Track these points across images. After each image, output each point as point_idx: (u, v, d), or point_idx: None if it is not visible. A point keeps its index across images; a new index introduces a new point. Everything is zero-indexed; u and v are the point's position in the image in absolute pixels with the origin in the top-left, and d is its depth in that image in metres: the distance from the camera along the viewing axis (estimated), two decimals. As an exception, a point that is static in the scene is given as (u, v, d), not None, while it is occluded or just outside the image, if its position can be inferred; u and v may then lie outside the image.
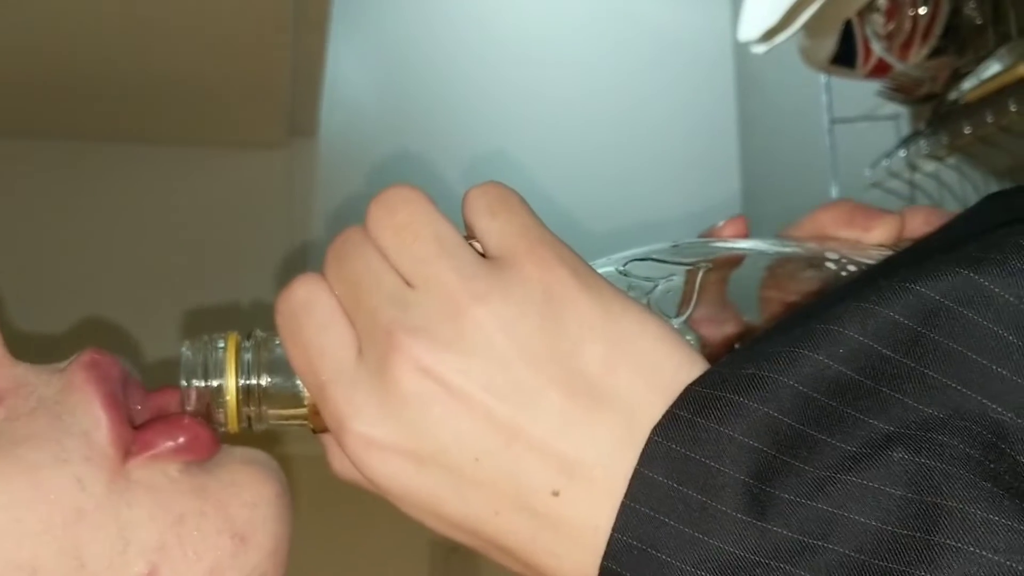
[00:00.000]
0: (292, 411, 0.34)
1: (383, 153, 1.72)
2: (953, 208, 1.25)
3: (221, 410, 0.34)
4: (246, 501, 0.34)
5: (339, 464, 0.34)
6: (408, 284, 0.31)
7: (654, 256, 0.35)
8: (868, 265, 0.35)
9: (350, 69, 1.75)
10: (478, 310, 0.29)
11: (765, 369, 0.27)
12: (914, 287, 0.27)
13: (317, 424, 0.33)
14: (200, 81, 1.43)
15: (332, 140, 1.70)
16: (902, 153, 1.29)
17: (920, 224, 0.38)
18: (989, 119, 1.10)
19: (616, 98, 1.83)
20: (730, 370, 0.28)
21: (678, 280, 0.35)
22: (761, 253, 0.37)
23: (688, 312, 0.34)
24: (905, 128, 1.34)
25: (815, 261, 0.36)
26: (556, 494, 0.29)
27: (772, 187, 1.76)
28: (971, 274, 0.27)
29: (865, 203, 0.38)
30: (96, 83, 1.41)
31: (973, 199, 1.20)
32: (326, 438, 0.34)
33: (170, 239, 1.60)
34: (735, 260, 0.37)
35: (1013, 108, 1.06)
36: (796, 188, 1.66)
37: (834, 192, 1.47)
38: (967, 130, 1.14)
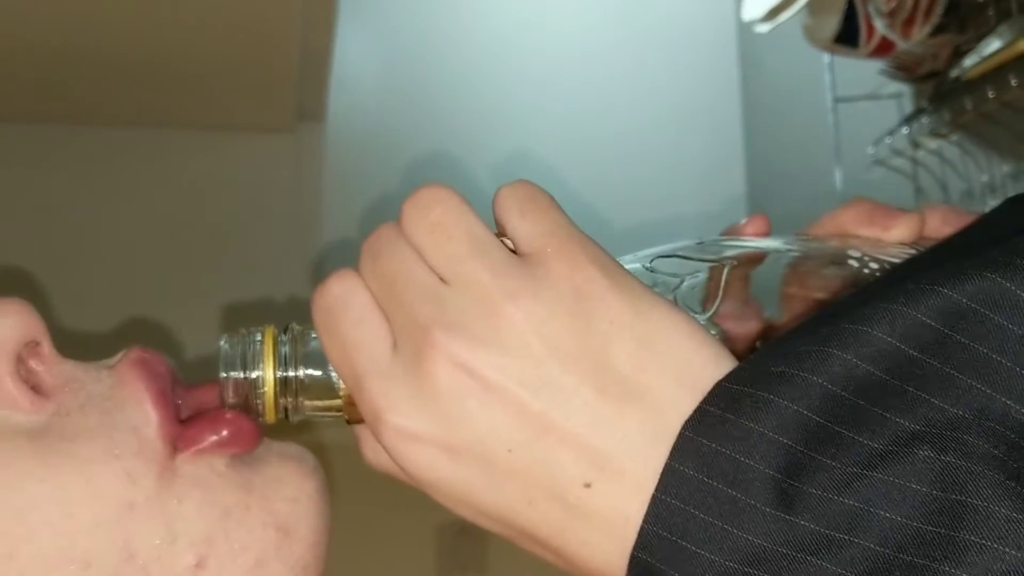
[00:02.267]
0: (328, 402, 0.35)
1: (391, 137, 1.73)
2: (957, 186, 1.26)
3: (259, 401, 0.35)
4: (288, 496, 0.36)
5: (372, 454, 0.35)
6: (443, 281, 0.31)
7: (680, 253, 0.36)
8: (890, 263, 0.36)
9: (358, 53, 1.75)
10: (511, 308, 0.30)
11: (795, 367, 0.28)
12: (941, 289, 0.28)
13: (352, 415, 0.34)
14: (208, 65, 1.43)
15: (340, 125, 1.71)
16: (905, 131, 1.30)
17: (939, 223, 0.39)
18: (991, 95, 1.11)
19: (619, 81, 1.83)
20: (760, 368, 0.29)
21: (703, 277, 0.36)
22: (783, 251, 0.38)
23: (714, 308, 0.35)
24: (908, 106, 1.35)
25: (837, 259, 0.37)
26: (588, 486, 0.29)
27: (776, 166, 1.77)
28: (998, 278, 0.27)
29: (871, 189, 0.39)
30: (105, 68, 1.42)
31: (976, 175, 1.21)
32: (359, 428, 0.35)
33: (177, 223, 1.61)
34: (757, 258, 0.37)
35: (1014, 83, 1.07)
36: (800, 167, 1.67)
37: (838, 171, 1.48)
38: (969, 106, 1.15)
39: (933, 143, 1.28)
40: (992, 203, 1.19)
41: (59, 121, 1.58)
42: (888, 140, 1.33)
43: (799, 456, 0.27)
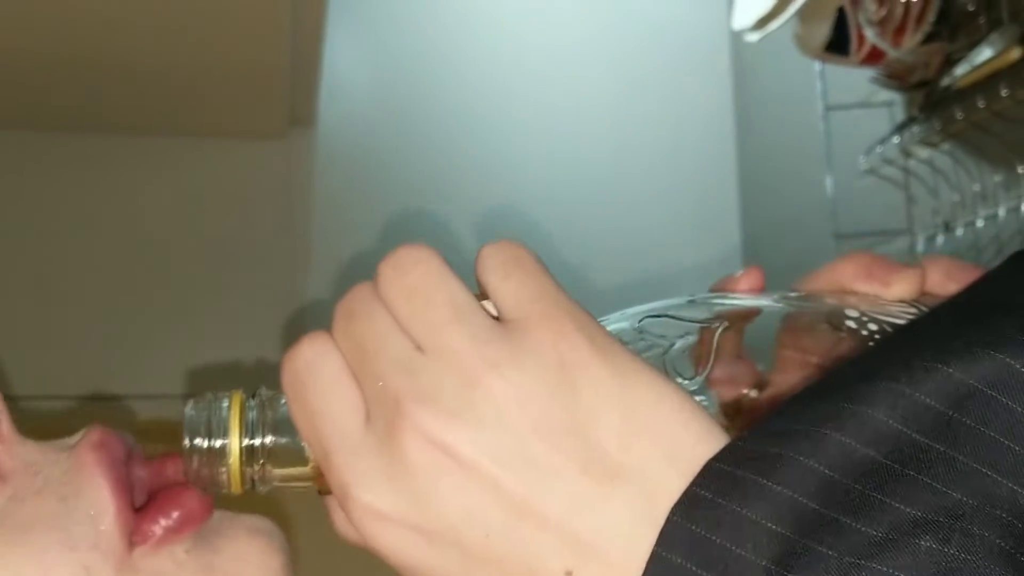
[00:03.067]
0: (297, 471, 0.33)
1: (382, 143, 1.72)
2: (948, 196, 1.26)
3: (224, 471, 0.33)
4: None
5: (343, 527, 0.33)
6: (419, 349, 0.30)
7: (670, 313, 0.35)
8: (891, 324, 0.34)
9: (348, 59, 1.75)
10: (490, 379, 0.29)
11: (790, 449, 0.26)
12: (946, 369, 0.26)
13: (323, 486, 0.33)
14: (197, 71, 1.43)
15: (331, 130, 1.71)
16: (896, 140, 1.30)
17: (941, 277, 0.37)
18: (981, 104, 1.11)
19: (610, 89, 1.83)
20: (753, 447, 0.27)
21: (693, 338, 0.34)
22: (778, 308, 0.36)
23: (705, 372, 0.34)
24: (899, 115, 1.35)
25: (834, 319, 0.35)
26: (569, 574, 0.28)
27: (768, 174, 1.77)
28: (1007, 358, 0.26)
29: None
30: (92, 74, 1.41)
31: (967, 185, 1.21)
32: (331, 499, 0.33)
33: (167, 230, 1.60)
34: (751, 314, 0.36)
35: (1005, 93, 1.07)
36: (791, 175, 1.67)
37: (829, 179, 1.48)
38: (959, 115, 1.15)
39: (924, 152, 1.28)
40: (983, 213, 1.19)
41: (38, 128, 1.57)
42: (879, 149, 1.33)
43: (793, 545, 0.26)
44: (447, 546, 0.29)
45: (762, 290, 0.37)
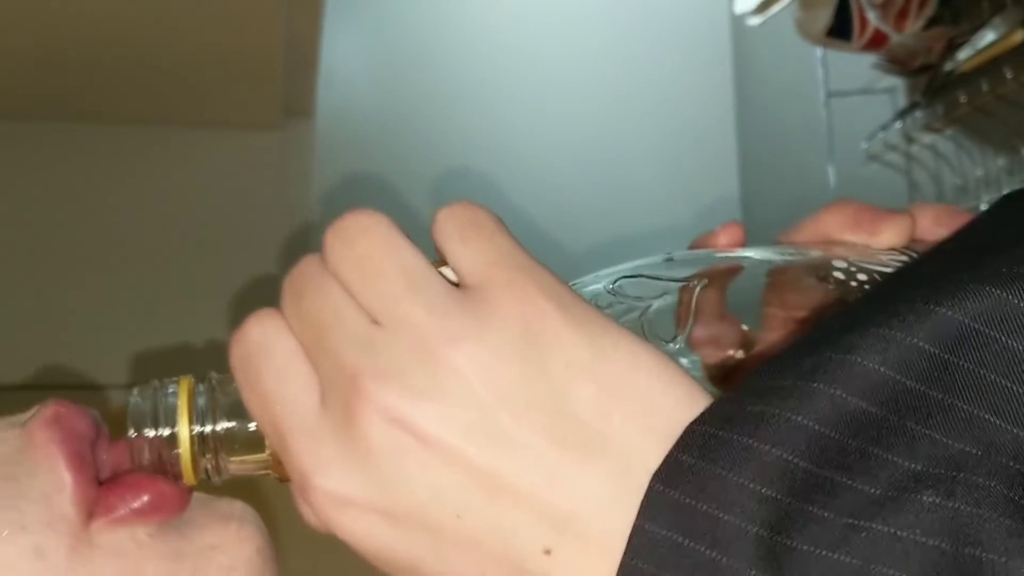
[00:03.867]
0: (254, 459, 0.31)
1: (379, 133, 1.72)
2: (951, 181, 1.25)
3: (175, 462, 0.31)
4: (223, 564, 0.32)
5: (311, 515, 0.31)
6: (374, 323, 0.28)
7: (646, 273, 0.33)
8: (880, 274, 0.33)
9: (346, 49, 1.74)
10: (453, 352, 0.27)
11: (776, 406, 0.25)
12: (939, 309, 0.25)
13: (282, 473, 0.31)
14: (194, 61, 1.42)
15: (328, 121, 1.70)
16: (898, 125, 1.29)
17: (930, 223, 0.35)
18: (985, 88, 1.10)
19: (610, 76, 1.82)
20: (736, 407, 0.26)
21: (672, 299, 0.32)
22: (761, 262, 0.34)
23: (685, 333, 0.32)
24: (901, 100, 1.34)
25: (821, 270, 0.33)
26: (548, 552, 0.26)
27: (769, 161, 1.76)
28: (1002, 293, 0.25)
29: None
30: (87, 64, 1.41)
31: (970, 170, 1.20)
32: (293, 486, 0.32)
33: (163, 221, 1.60)
34: (733, 270, 0.34)
35: (1009, 76, 1.06)
36: (793, 162, 1.66)
37: (831, 166, 1.47)
38: (963, 100, 1.14)
39: (927, 137, 1.27)
40: (987, 197, 1.18)
41: (34, 118, 1.56)
42: (881, 135, 1.32)
43: (786, 508, 0.24)
44: (416, 529, 0.27)
45: (743, 244, 0.36)
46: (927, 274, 0.28)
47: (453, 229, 0.29)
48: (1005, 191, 1.13)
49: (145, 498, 0.31)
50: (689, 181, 1.81)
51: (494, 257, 0.28)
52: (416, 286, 0.28)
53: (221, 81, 1.48)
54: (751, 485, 0.24)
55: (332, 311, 0.28)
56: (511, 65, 1.80)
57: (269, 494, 0.39)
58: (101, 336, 1.52)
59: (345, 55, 1.74)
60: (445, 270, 0.29)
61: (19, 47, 1.35)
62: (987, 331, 0.25)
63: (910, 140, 1.30)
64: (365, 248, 0.29)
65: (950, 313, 0.25)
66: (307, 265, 0.30)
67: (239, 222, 1.61)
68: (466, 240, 0.29)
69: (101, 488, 0.32)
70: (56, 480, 0.31)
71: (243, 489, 0.34)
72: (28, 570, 0.30)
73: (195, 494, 0.33)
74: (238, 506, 0.34)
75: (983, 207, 1.17)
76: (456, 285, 0.29)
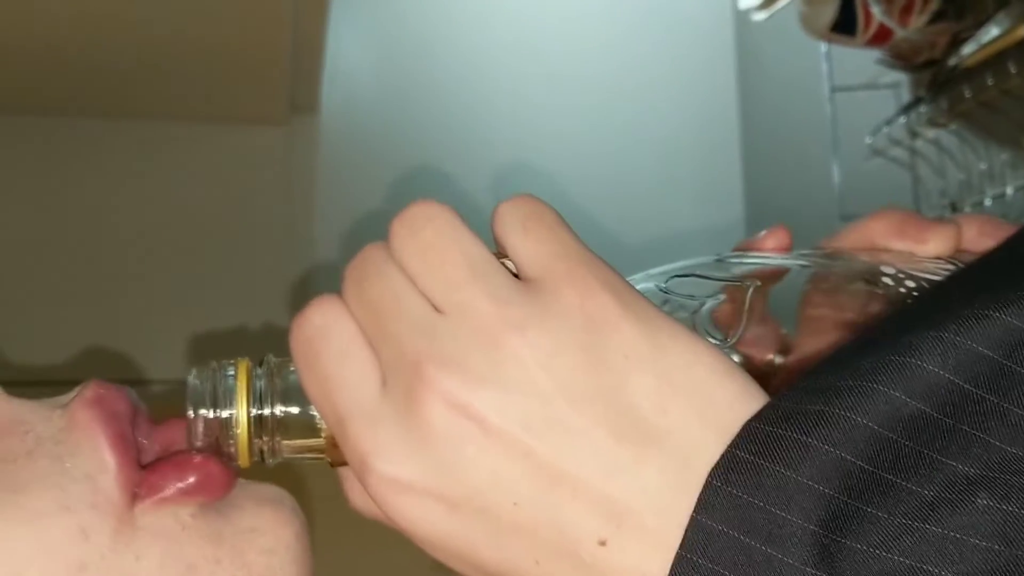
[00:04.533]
0: (308, 443, 0.32)
1: (385, 130, 1.72)
2: (956, 176, 1.25)
3: (232, 443, 0.32)
4: (264, 547, 0.32)
5: (359, 500, 0.32)
6: (437, 310, 0.28)
7: (697, 272, 0.33)
8: (928, 281, 0.33)
9: (351, 45, 1.74)
10: (515, 340, 0.27)
11: (835, 405, 0.25)
12: (998, 315, 0.25)
13: (335, 458, 0.31)
14: (201, 57, 1.42)
15: (333, 117, 1.70)
16: (903, 120, 1.29)
17: (975, 235, 0.36)
18: (989, 83, 1.10)
19: (614, 71, 1.82)
20: (795, 405, 0.26)
21: (723, 299, 0.33)
22: (808, 267, 0.35)
23: (738, 334, 0.32)
24: (906, 95, 1.34)
25: (869, 276, 0.34)
26: (603, 543, 0.26)
27: (773, 155, 1.76)
28: None
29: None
30: (93, 58, 1.41)
31: (974, 164, 1.20)
32: (344, 471, 0.32)
33: (169, 217, 1.60)
34: (779, 274, 0.35)
35: (1013, 71, 1.06)
36: (797, 157, 1.66)
37: (835, 161, 1.47)
38: (967, 95, 1.14)
39: (931, 132, 1.27)
40: (992, 192, 1.18)
41: (42, 113, 1.56)
42: (886, 130, 1.32)
43: (842, 507, 0.24)
44: (473, 516, 0.27)
45: (789, 248, 0.36)
46: (981, 281, 0.29)
47: (516, 221, 0.30)
48: (1009, 186, 1.14)
49: (192, 478, 0.32)
50: (692, 175, 1.81)
51: (556, 249, 0.29)
52: (480, 275, 0.28)
53: (228, 77, 1.48)
54: (808, 483, 0.25)
55: (394, 297, 0.29)
56: (514, 61, 1.80)
57: (306, 483, 0.40)
58: (100, 327, 1.53)
59: (350, 51, 1.74)
60: (506, 262, 0.29)
61: (28, 44, 1.35)
62: None
63: (914, 135, 1.30)
64: (430, 236, 0.29)
65: (1009, 319, 0.25)
66: (370, 251, 0.30)
67: (244, 217, 1.62)
68: (528, 232, 0.29)
69: (146, 468, 0.32)
70: (99, 461, 0.31)
71: (282, 478, 0.34)
72: (73, 551, 0.30)
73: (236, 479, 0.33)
74: (277, 491, 0.34)
75: (988, 202, 1.17)
76: (516, 277, 0.29)
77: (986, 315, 0.25)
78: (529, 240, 0.29)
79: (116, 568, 0.30)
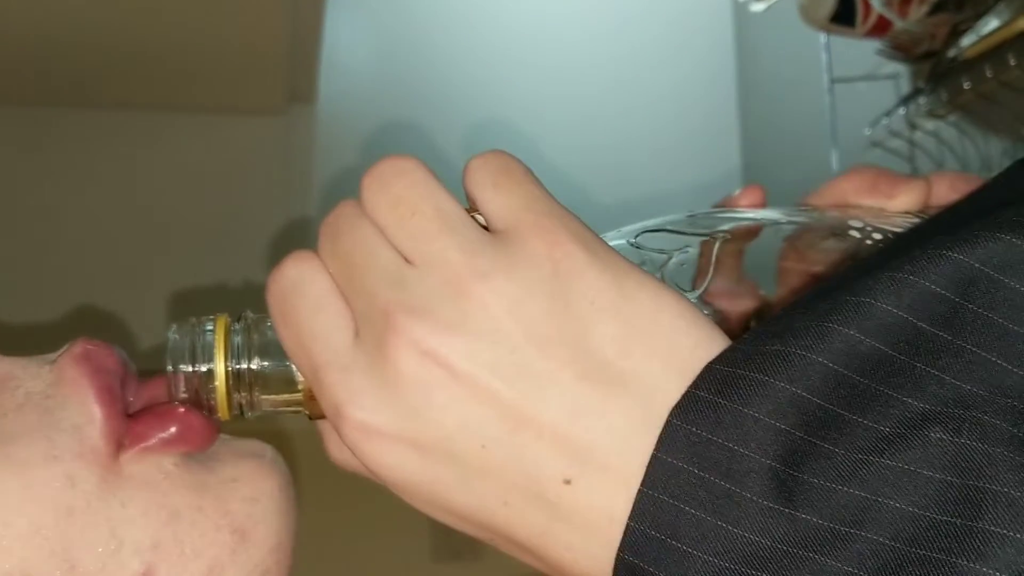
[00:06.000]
0: (286, 396, 0.33)
1: (382, 120, 1.72)
2: (955, 166, 1.25)
3: (211, 396, 0.32)
4: (246, 496, 0.33)
5: (337, 452, 0.33)
6: (407, 261, 0.29)
7: (668, 227, 0.34)
8: (894, 234, 0.34)
9: (348, 35, 1.74)
10: (483, 289, 0.28)
11: (792, 345, 0.25)
12: (951, 254, 0.25)
13: (313, 410, 0.32)
14: (198, 48, 1.42)
15: (331, 107, 1.70)
16: (902, 112, 1.29)
17: (946, 190, 0.37)
18: (989, 74, 1.09)
19: (614, 63, 1.82)
20: (754, 347, 0.26)
21: (693, 252, 0.33)
22: (780, 223, 0.35)
23: (704, 286, 0.33)
24: (905, 87, 1.34)
25: (838, 230, 0.34)
26: (568, 482, 0.27)
27: (772, 147, 1.76)
28: (1013, 239, 0.25)
29: (879, 166, 0.37)
30: (92, 49, 1.41)
31: (974, 156, 1.20)
32: (323, 424, 0.33)
33: (167, 206, 1.60)
34: (753, 231, 0.35)
35: (1013, 63, 1.05)
36: (796, 148, 1.66)
37: (834, 153, 1.47)
38: (967, 86, 1.13)
39: (930, 124, 1.27)
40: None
41: (40, 104, 1.56)
42: (885, 121, 1.32)
43: (799, 443, 0.25)
44: (443, 459, 0.28)
45: (764, 207, 0.37)
46: (939, 228, 0.29)
47: (486, 175, 0.30)
48: (1020, 159, 1.13)
49: (173, 428, 0.32)
50: (692, 166, 1.81)
51: (524, 202, 0.29)
52: (449, 226, 0.29)
53: (225, 67, 1.48)
54: (765, 419, 0.25)
55: (366, 250, 0.29)
56: (512, 52, 1.79)
57: (292, 442, 0.40)
58: (95, 312, 1.53)
59: (347, 41, 1.73)
60: (476, 216, 0.30)
61: (26, 35, 1.35)
62: (996, 276, 0.25)
63: (913, 126, 1.30)
64: (400, 190, 0.30)
65: (962, 258, 0.25)
66: (343, 207, 0.31)
67: (241, 206, 1.62)
68: (498, 186, 0.30)
69: (130, 420, 0.33)
70: (86, 413, 0.32)
71: (269, 437, 0.35)
72: (60, 498, 0.31)
73: (220, 435, 0.34)
74: (259, 445, 0.35)
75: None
76: (486, 229, 0.30)
77: (940, 254, 0.25)
78: (498, 193, 0.30)
79: (102, 514, 0.31)
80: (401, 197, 0.30)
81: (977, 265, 0.25)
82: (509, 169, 0.30)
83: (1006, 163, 1.14)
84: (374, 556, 1.64)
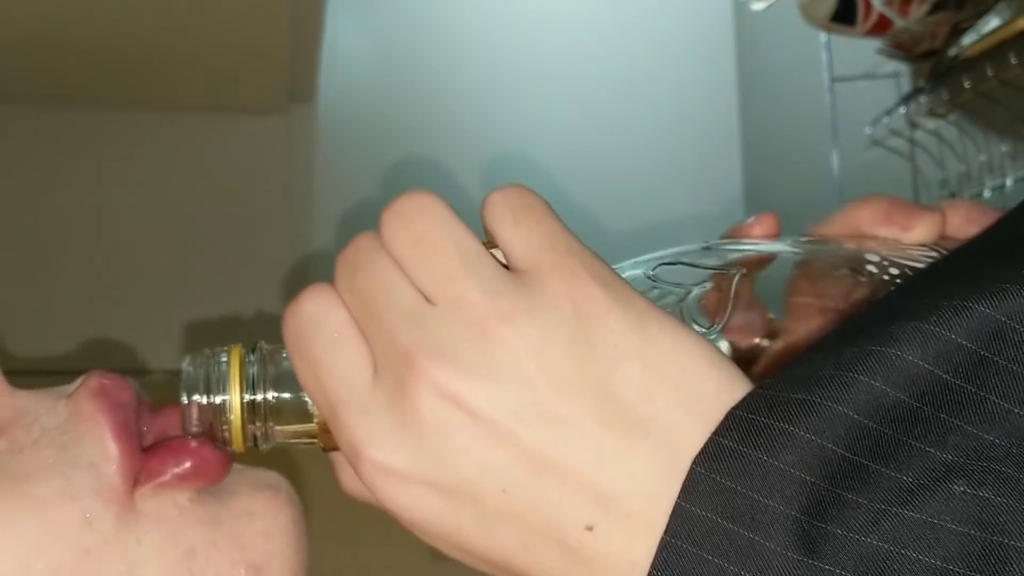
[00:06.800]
0: (301, 428, 0.32)
1: (383, 119, 1.71)
2: (955, 167, 1.25)
3: (225, 428, 0.32)
4: (260, 531, 0.33)
5: (351, 483, 0.32)
6: (427, 301, 0.29)
7: (684, 260, 0.34)
8: (913, 268, 0.33)
9: (349, 35, 1.74)
10: (505, 332, 0.27)
11: (817, 395, 0.26)
12: (977, 307, 0.26)
13: (327, 442, 0.31)
14: (199, 47, 1.42)
15: (331, 106, 1.69)
16: (902, 111, 1.29)
17: (961, 222, 0.37)
18: (989, 73, 1.09)
19: (613, 61, 1.82)
20: (778, 394, 0.26)
21: (710, 286, 0.33)
22: (794, 254, 0.35)
23: (724, 322, 0.33)
24: (906, 86, 1.34)
25: (853, 263, 0.34)
26: (590, 529, 0.27)
27: (772, 146, 1.76)
28: None
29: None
30: (93, 48, 1.40)
31: (974, 155, 1.20)
32: (336, 456, 0.33)
33: (167, 206, 1.60)
34: (766, 261, 0.35)
35: (1014, 61, 1.05)
36: (796, 147, 1.66)
37: (834, 152, 1.47)
38: (967, 85, 1.13)
39: (931, 123, 1.27)
40: (991, 183, 1.17)
41: (38, 102, 1.56)
42: (885, 120, 1.32)
43: (823, 494, 0.25)
44: (463, 503, 0.28)
45: (778, 235, 0.36)
46: (962, 270, 0.29)
47: (506, 211, 0.30)
48: (1009, 177, 1.13)
49: (188, 463, 0.32)
50: (692, 166, 1.80)
51: (545, 241, 0.29)
52: (471, 266, 0.29)
53: (226, 66, 1.48)
54: (790, 470, 0.25)
55: (386, 287, 0.29)
56: (513, 50, 1.79)
57: (302, 469, 0.40)
58: (99, 316, 1.52)
59: (348, 40, 1.73)
60: (495, 252, 0.30)
61: (27, 34, 1.35)
62: (1020, 329, 0.25)
63: (914, 126, 1.30)
64: (422, 227, 0.29)
65: (987, 311, 0.25)
66: (362, 241, 0.31)
67: (242, 206, 1.61)
68: (518, 224, 0.30)
69: (144, 455, 0.33)
70: (103, 450, 0.32)
71: (278, 464, 0.35)
72: (78, 538, 0.30)
73: (233, 465, 0.34)
74: (274, 476, 0.35)
75: (987, 193, 1.17)
76: (506, 267, 0.29)
77: (965, 306, 0.26)
78: (519, 231, 0.29)
79: (118, 552, 0.31)
80: (422, 235, 0.29)
81: (1003, 319, 0.25)
82: (529, 205, 0.30)
83: (1010, 164, 1.14)
84: (374, 554, 1.65)
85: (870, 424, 0.25)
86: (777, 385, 0.27)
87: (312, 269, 1.56)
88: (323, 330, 0.30)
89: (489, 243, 0.30)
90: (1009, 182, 1.14)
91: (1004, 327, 0.25)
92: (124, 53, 1.42)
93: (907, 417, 0.25)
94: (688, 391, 0.27)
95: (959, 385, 0.25)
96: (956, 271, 0.29)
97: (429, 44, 1.77)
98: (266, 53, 1.45)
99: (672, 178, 1.79)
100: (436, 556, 0.31)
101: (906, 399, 0.25)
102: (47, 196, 1.56)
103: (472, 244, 0.29)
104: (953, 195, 1.24)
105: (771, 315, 0.34)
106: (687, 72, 1.84)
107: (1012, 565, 0.23)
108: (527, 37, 1.80)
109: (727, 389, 0.28)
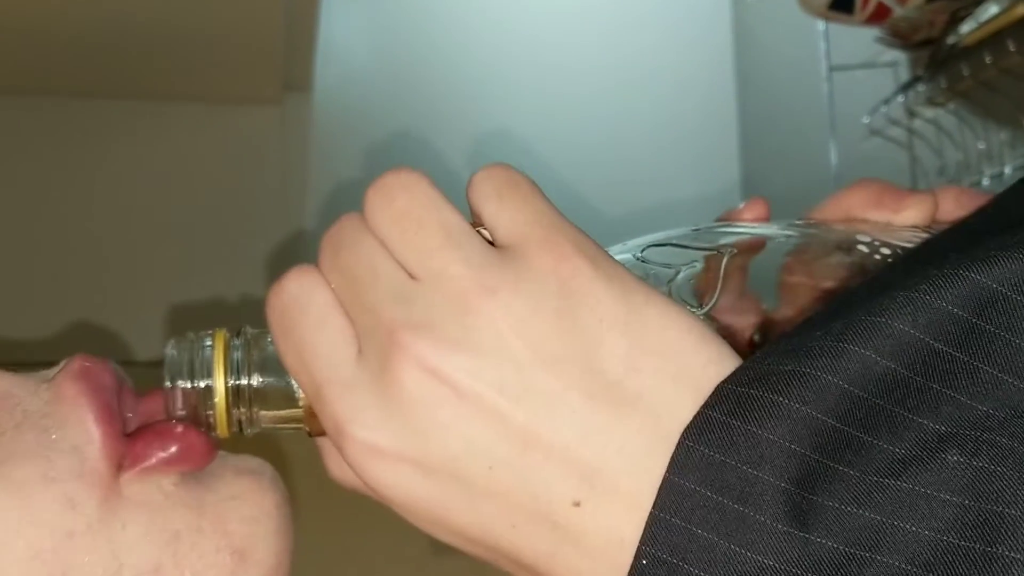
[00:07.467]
0: (286, 413, 0.32)
1: (378, 108, 1.71)
2: (953, 155, 1.24)
3: (210, 413, 0.32)
4: (245, 516, 0.33)
5: (337, 469, 0.32)
6: (411, 277, 0.28)
7: (674, 241, 0.33)
8: (903, 249, 0.33)
9: (344, 23, 1.73)
10: (489, 305, 0.27)
11: (807, 365, 0.25)
12: (968, 274, 0.25)
13: (313, 427, 0.31)
14: (194, 37, 1.41)
15: (326, 95, 1.69)
16: (901, 99, 1.28)
17: (952, 205, 0.36)
18: (988, 61, 1.09)
19: (611, 51, 1.81)
20: (767, 366, 0.26)
21: (699, 267, 0.33)
22: (785, 237, 0.35)
23: (713, 301, 0.32)
24: (904, 74, 1.33)
25: (845, 245, 0.34)
26: (577, 505, 0.27)
27: (771, 135, 1.75)
28: None
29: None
30: (86, 38, 1.40)
31: (972, 144, 1.20)
32: (323, 442, 0.32)
33: (161, 196, 1.59)
34: (757, 245, 0.35)
35: (1012, 49, 1.05)
36: (794, 136, 1.65)
37: (832, 141, 1.46)
38: (966, 73, 1.13)
39: (929, 111, 1.26)
40: (990, 172, 1.17)
41: (35, 93, 1.56)
42: (884, 109, 1.32)
43: (813, 465, 0.24)
44: (448, 480, 0.28)
45: (768, 220, 0.36)
46: (951, 245, 0.29)
47: (491, 189, 0.30)
48: (1007, 165, 1.13)
49: (173, 448, 0.32)
50: (690, 155, 1.80)
51: (530, 217, 0.29)
52: (454, 240, 0.28)
53: (221, 56, 1.47)
54: (780, 441, 0.25)
55: (369, 264, 0.29)
56: (507, 40, 1.79)
57: (287, 454, 0.40)
58: (92, 304, 1.52)
59: (343, 30, 1.73)
60: (481, 231, 0.29)
61: (22, 25, 1.34)
62: (1015, 296, 0.25)
63: (912, 114, 1.29)
64: (405, 204, 0.29)
65: (980, 278, 0.25)
66: (345, 220, 0.30)
67: (237, 196, 1.61)
68: (503, 199, 0.29)
69: (130, 438, 0.32)
70: (85, 433, 0.31)
71: (264, 449, 0.35)
72: (60, 521, 0.30)
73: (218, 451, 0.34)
74: (258, 462, 0.35)
75: (985, 181, 1.16)
76: (491, 244, 0.29)
77: (956, 274, 0.25)
78: (504, 207, 0.29)
79: (102, 537, 0.31)
80: (405, 211, 0.29)
81: (995, 285, 0.25)
82: (515, 182, 0.30)
83: (1009, 153, 1.14)
84: (374, 551, 1.64)
85: (861, 394, 0.25)
86: (766, 358, 0.26)
87: (302, 253, 1.56)
88: (307, 310, 0.30)
89: (475, 222, 0.30)
90: (1008, 170, 1.14)
91: (996, 294, 0.25)
92: (118, 43, 1.41)
93: (899, 387, 0.25)
94: (676, 365, 0.27)
95: (951, 354, 0.25)
96: (947, 246, 0.29)
97: (425, 34, 1.77)
98: (261, 42, 1.45)
99: (670, 167, 1.78)
100: (438, 549, 0.31)
101: (898, 368, 0.25)
102: (42, 185, 1.56)
103: (456, 219, 0.29)
104: (951, 184, 1.24)
105: (766, 304, 0.34)
106: (685, 61, 1.83)
107: (1006, 534, 0.22)
108: (524, 27, 1.79)
109: (715, 363, 0.27)
